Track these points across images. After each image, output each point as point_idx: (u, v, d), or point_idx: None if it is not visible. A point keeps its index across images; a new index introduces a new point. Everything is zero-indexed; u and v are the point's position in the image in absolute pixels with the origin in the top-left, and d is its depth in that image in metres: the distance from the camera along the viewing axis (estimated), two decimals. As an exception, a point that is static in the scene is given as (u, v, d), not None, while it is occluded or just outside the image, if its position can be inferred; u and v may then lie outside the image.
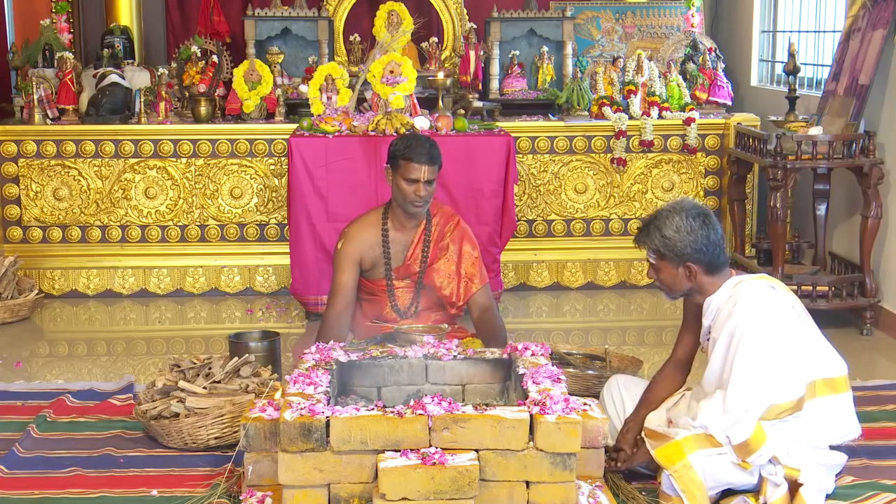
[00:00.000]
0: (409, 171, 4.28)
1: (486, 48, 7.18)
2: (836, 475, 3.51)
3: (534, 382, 3.37)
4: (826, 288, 5.50)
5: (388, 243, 4.39)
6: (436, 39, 7.43)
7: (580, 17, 7.56)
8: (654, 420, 3.58)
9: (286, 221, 6.24)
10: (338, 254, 4.40)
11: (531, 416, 3.10)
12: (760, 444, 3.29)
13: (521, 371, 3.50)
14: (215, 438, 3.90)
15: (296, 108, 6.72)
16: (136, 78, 6.79)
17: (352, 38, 7.42)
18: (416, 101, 6.23)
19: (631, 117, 6.54)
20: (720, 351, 3.45)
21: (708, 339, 3.58)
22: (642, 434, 3.54)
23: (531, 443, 3.09)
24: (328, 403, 3.23)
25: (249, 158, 6.45)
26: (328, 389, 3.34)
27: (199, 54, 6.85)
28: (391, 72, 6.03)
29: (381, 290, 4.44)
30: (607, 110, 6.56)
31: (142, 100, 6.49)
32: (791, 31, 6.97)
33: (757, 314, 3.40)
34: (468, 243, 4.48)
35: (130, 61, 7.10)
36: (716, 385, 3.45)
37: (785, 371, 3.37)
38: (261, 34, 7.09)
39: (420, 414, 3.08)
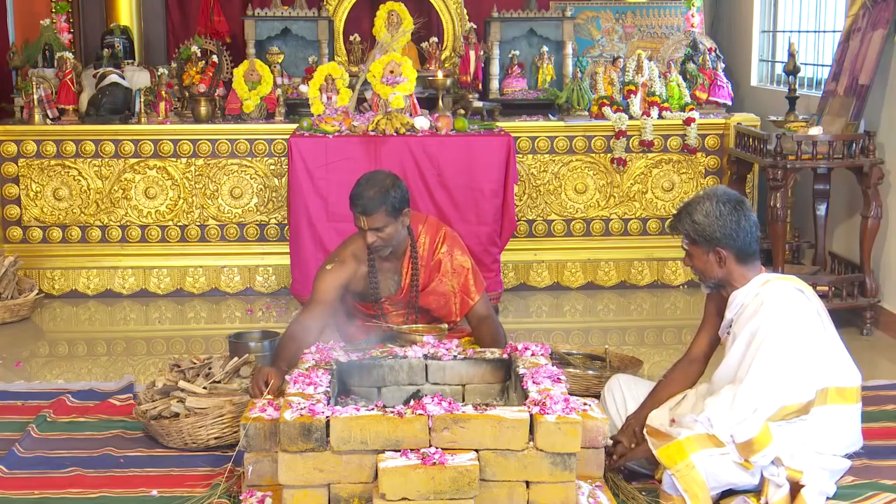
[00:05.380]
0: (354, 218, 4.11)
1: (486, 48, 7.18)
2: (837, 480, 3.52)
3: (534, 382, 3.37)
4: (826, 288, 5.50)
5: (374, 274, 4.20)
6: (436, 39, 7.43)
7: (580, 17, 7.55)
8: (657, 419, 3.58)
9: (286, 221, 6.25)
10: (323, 273, 4.15)
11: (531, 416, 3.10)
12: (765, 444, 3.29)
13: (521, 371, 3.50)
14: (215, 438, 3.90)
15: (296, 108, 6.72)
16: (136, 78, 6.79)
17: (352, 38, 7.42)
18: (416, 101, 6.24)
19: (631, 117, 6.54)
20: (739, 348, 3.46)
21: (728, 333, 3.59)
22: (644, 432, 3.54)
23: (531, 443, 3.09)
24: (328, 403, 3.23)
25: (249, 158, 6.45)
26: (328, 389, 3.34)
27: (199, 54, 6.86)
28: (391, 72, 6.04)
29: (375, 313, 4.31)
30: (607, 110, 6.56)
31: (142, 100, 6.49)
32: (791, 31, 6.97)
33: (782, 317, 3.41)
34: (458, 253, 4.29)
35: (130, 61, 7.10)
36: (728, 381, 3.46)
37: (798, 374, 3.38)
38: (261, 34, 7.09)
39: (420, 414, 3.08)
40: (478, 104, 6.76)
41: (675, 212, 3.68)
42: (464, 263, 4.30)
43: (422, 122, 6.01)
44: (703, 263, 3.59)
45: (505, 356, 3.74)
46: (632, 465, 3.61)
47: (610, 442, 3.59)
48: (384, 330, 4.27)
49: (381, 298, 4.26)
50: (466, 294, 4.28)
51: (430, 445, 3.07)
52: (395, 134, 5.89)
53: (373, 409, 3.14)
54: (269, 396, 3.54)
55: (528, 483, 3.11)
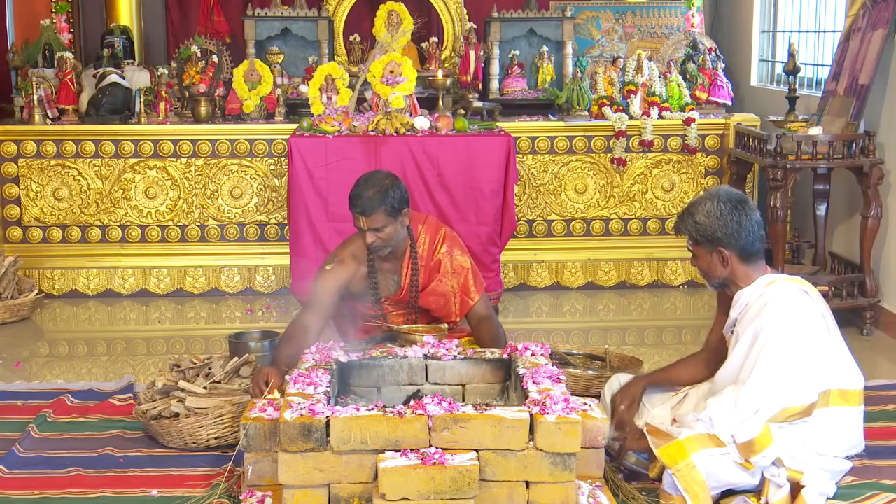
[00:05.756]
0: (353, 219, 4.09)
1: (486, 48, 7.18)
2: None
3: (534, 382, 3.37)
4: (826, 288, 5.49)
5: (374, 274, 4.21)
6: (436, 39, 7.43)
7: (580, 17, 7.55)
8: (658, 418, 3.58)
9: (286, 221, 6.24)
10: (323, 273, 4.15)
11: (531, 416, 3.10)
12: (765, 445, 3.29)
13: (521, 371, 3.50)
14: (215, 438, 3.90)
15: (296, 108, 6.72)
16: (136, 78, 6.79)
17: (352, 38, 7.42)
18: (416, 101, 6.24)
19: (631, 117, 6.54)
20: (742, 349, 3.46)
21: (732, 332, 3.59)
22: (644, 431, 3.54)
23: (531, 443, 3.09)
24: (328, 403, 3.23)
25: (249, 158, 6.45)
26: (328, 389, 3.34)
27: (199, 54, 6.85)
28: (391, 72, 6.03)
29: (375, 313, 4.31)
30: (607, 110, 6.56)
31: (142, 100, 6.49)
32: (791, 31, 6.97)
33: (785, 318, 3.41)
34: (458, 252, 4.29)
35: (130, 61, 7.10)
36: (731, 381, 3.46)
37: (801, 376, 3.38)
38: (261, 34, 7.09)
39: (420, 414, 3.08)
40: (478, 104, 6.76)
41: (677, 212, 3.70)
42: (463, 263, 4.30)
43: (422, 122, 6.01)
44: (707, 264, 3.59)
45: (505, 356, 3.74)
46: (632, 466, 3.61)
47: (610, 441, 3.60)
48: (384, 330, 4.27)
49: (381, 299, 4.26)
50: (466, 294, 4.28)
51: (430, 445, 3.07)
52: (395, 134, 5.89)
53: (373, 409, 3.14)
54: (270, 396, 3.53)
55: (528, 483, 3.11)
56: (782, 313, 3.42)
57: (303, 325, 4.00)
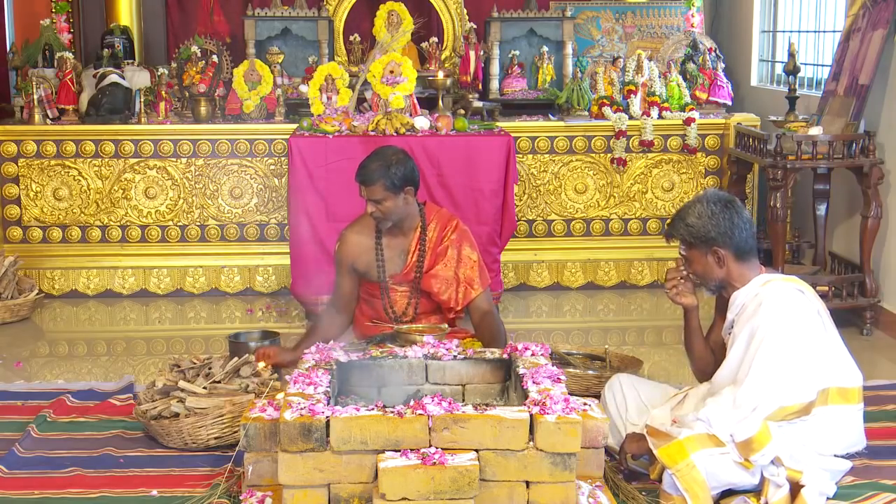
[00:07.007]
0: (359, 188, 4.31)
1: (486, 48, 7.18)
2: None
3: (534, 382, 3.37)
4: (826, 288, 5.50)
5: (381, 249, 4.36)
6: (436, 39, 7.42)
7: (580, 17, 7.55)
8: (659, 419, 3.58)
9: (286, 221, 6.24)
10: (335, 256, 4.48)
11: (531, 416, 3.10)
12: (764, 443, 3.29)
13: (521, 371, 3.50)
14: (215, 438, 3.90)
15: (296, 108, 6.71)
16: (136, 78, 6.79)
17: (352, 38, 7.42)
18: (416, 101, 6.24)
19: (631, 117, 6.54)
20: (739, 349, 3.47)
21: (730, 334, 3.59)
22: (644, 431, 3.54)
23: (531, 443, 3.09)
24: (328, 403, 3.23)
25: (249, 158, 6.45)
26: (328, 389, 3.34)
27: (199, 54, 6.86)
28: (391, 72, 6.03)
29: (380, 292, 4.42)
30: (607, 110, 6.56)
31: (142, 100, 6.49)
32: (791, 31, 6.97)
33: (781, 317, 3.41)
34: (467, 246, 4.41)
35: (130, 61, 7.09)
36: (729, 382, 3.46)
37: (799, 375, 3.38)
38: (261, 34, 7.09)
39: (420, 414, 3.08)
40: (478, 104, 6.75)
41: (672, 216, 3.69)
42: (471, 255, 4.42)
43: (422, 122, 6.01)
44: (703, 266, 3.59)
45: (505, 356, 3.74)
46: (632, 466, 3.61)
47: (610, 441, 3.60)
48: (384, 330, 4.29)
49: (387, 277, 4.36)
50: (470, 284, 4.37)
51: (430, 445, 3.07)
52: (395, 134, 5.88)
53: (373, 409, 3.14)
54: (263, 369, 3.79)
55: (528, 483, 3.10)
56: (778, 312, 3.42)
57: (330, 315, 4.39)
